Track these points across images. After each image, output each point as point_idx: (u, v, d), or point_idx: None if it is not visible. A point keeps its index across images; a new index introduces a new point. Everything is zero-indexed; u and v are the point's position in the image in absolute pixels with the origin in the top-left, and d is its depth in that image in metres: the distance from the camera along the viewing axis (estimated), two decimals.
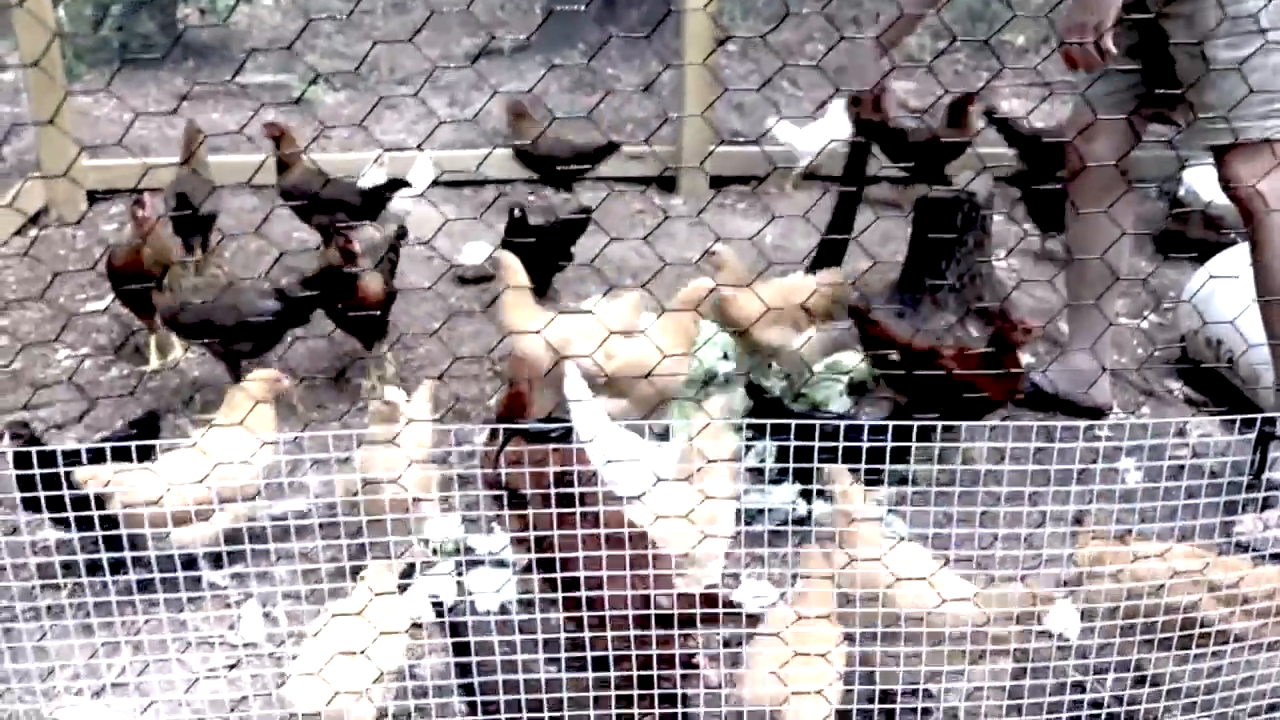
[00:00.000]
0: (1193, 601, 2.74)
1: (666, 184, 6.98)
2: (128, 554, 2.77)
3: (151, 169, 5.90)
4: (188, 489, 3.16)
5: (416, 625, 3.47)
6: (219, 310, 4.33)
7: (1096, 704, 2.86)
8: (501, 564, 3.73)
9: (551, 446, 2.87)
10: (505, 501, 3.13)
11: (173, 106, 7.72)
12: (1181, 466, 2.89)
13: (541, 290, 5.48)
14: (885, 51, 4.63)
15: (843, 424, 2.84)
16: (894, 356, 4.12)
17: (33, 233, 6.32)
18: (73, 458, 3.05)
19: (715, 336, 4.81)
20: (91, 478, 3.25)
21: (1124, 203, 4.43)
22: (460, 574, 3.66)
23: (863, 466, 2.77)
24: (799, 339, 4.58)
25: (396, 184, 5.60)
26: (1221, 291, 4.57)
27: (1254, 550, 3.49)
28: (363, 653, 2.74)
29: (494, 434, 3.39)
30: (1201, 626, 2.75)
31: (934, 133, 6.06)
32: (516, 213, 5.35)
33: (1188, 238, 6.04)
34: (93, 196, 6.59)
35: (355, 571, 3.14)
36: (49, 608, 3.18)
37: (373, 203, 5.56)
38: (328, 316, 4.64)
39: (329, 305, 4.59)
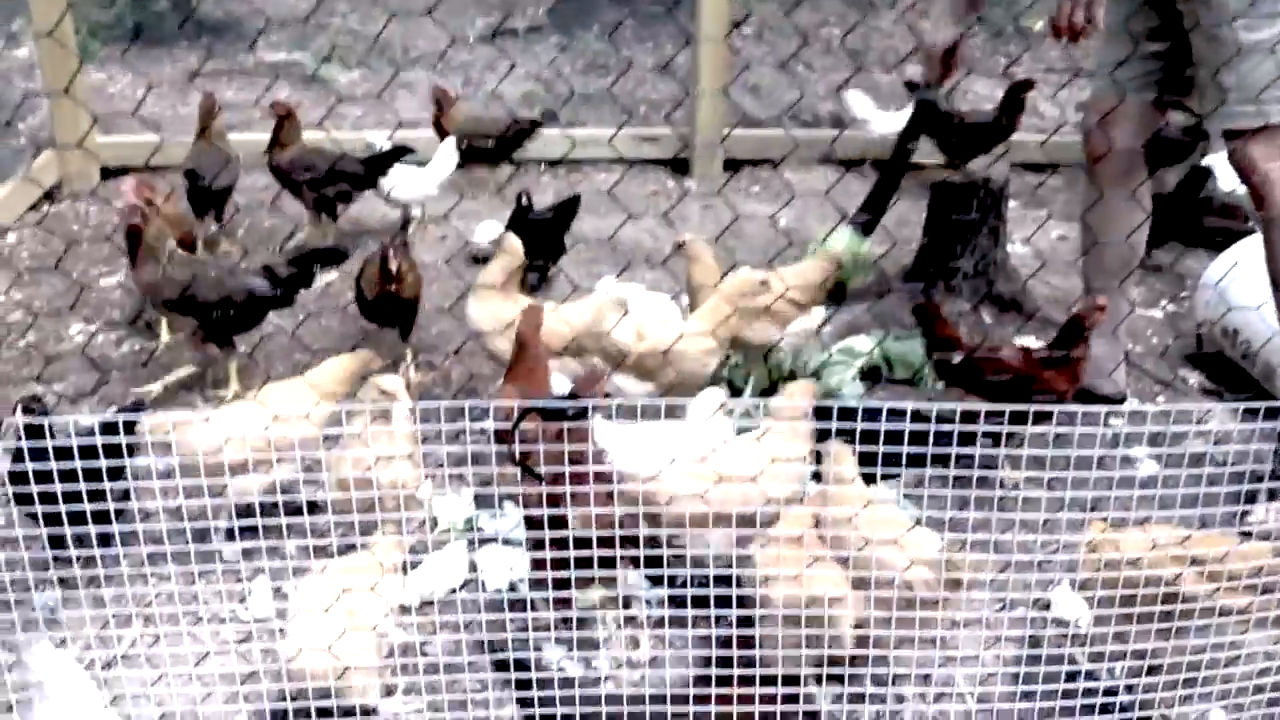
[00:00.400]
0: (1209, 590, 2.72)
1: (680, 166, 6.94)
2: (139, 526, 2.76)
3: (164, 146, 5.90)
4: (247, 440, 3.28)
5: (428, 603, 3.48)
6: (203, 286, 4.28)
7: (1111, 691, 2.84)
8: (512, 543, 3.73)
9: (567, 425, 2.86)
10: (519, 477, 3.13)
11: (187, 82, 7.73)
12: (1199, 456, 2.87)
13: (542, 277, 5.47)
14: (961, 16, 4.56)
15: (861, 407, 2.82)
16: (957, 359, 4.07)
17: (46, 208, 6.32)
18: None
19: None
20: (156, 427, 3.37)
21: (1144, 188, 4.39)
22: (471, 551, 3.67)
23: (880, 449, 2.74)
24: (785, 331, 4.55)
25: (400, 151, 5.60)
26: (1240, 281, 4.53)
27: (1274, 539, 3.47)
28: (375, 629, 2.74)
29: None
30: (1220, 615, 2.73)
31: (988, 117, 5.98)
32: (524, 199, 5.32)
33: (1205, 226, 5.99)
34: (107, 173, 6.58)
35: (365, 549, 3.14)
36: (61, 579, 3.19)
37: (375, 171, 5.57)
38: (359, 309, 4.64)
39: (359, 298, 4.62)
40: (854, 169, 6.59)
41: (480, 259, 5.79)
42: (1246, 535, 3.08)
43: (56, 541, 2.81)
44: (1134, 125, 4.26)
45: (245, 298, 4.33)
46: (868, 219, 5.34)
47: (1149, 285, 5.70)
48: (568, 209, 5.44)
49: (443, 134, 6.13)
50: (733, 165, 6.92)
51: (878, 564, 2.85)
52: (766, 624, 2.95)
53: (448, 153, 5.79)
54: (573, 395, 3.24)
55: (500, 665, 2.85)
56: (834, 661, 2.91)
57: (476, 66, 8.42)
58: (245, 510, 3.42)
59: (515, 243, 4.45)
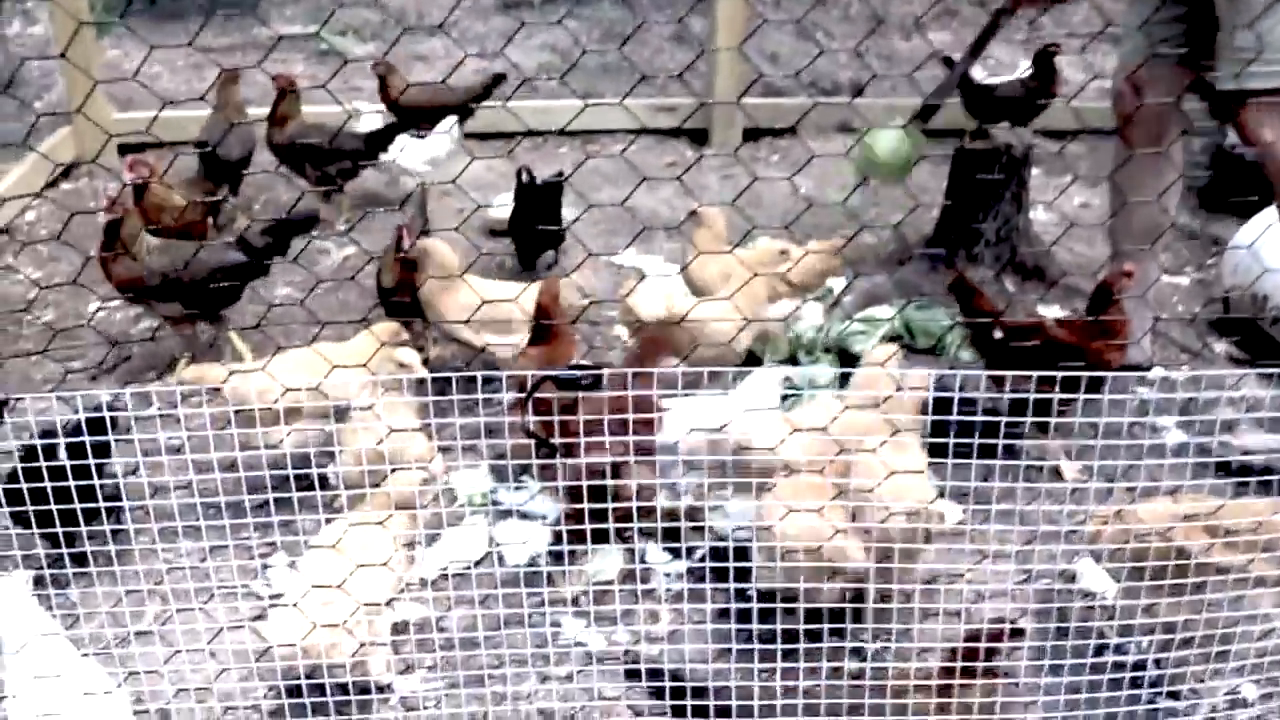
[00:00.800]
0: (1244, 560, 2.66)
1: (699, 137, 6.86)
2: (149, 501, 2.74)
3: (182, 121, 5.88)
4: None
5: (444, 576, 3.45)
6: (194, 267, 4.26)
7: (1139, 665, 2.79)
8: (529, 517, 3.70)
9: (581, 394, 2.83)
10: (533, 450, 3.10)
11: (202, 57, 7.68)
12: (1230, 425, 2.80)
13: (556, 254, 5.42)
14: None
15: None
16: (998, 334, 3.96)
17: (65, 185, 6.31)
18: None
19: None
20: (199, 376, 3.49)
21: (1175, 153, 4.29)
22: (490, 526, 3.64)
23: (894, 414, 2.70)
24: (774, 310, 4.48)
25: (398, 127, 5.59)
26: (1272, 245, 4.44)
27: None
28: (389, 604, 2.71)
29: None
30: (1254, 586, 2.67)
31: (1023, 88, 5.88)
32: (524, 176, 5.23)
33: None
34: (125, 149, 6.55)
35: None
36: (75, 556, 3.17)
37: (375, 146, 5.55)
38: (380, 301, 4.64)
39: (379, 288, 4.60)
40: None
41: (497, 232, 5.75)
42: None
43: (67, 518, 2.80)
44: (1163, 86, 4.16)
45: (225, 272, 4.34)
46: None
47: (1175, 251, 5.60)
48: (550, 190, 5.29)
49: (393, 108, 6.02)
50: (752, 135, 6.84)
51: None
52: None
53: (449, 128, 5.76)
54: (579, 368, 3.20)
55: (647, 677, 2.80)
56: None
57: (492, 37, 8.35)
58: (259, 485, 3.40)
59: (435, 245, 4.38)
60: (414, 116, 5.78)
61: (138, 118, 6.51)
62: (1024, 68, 6.09)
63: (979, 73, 5.92)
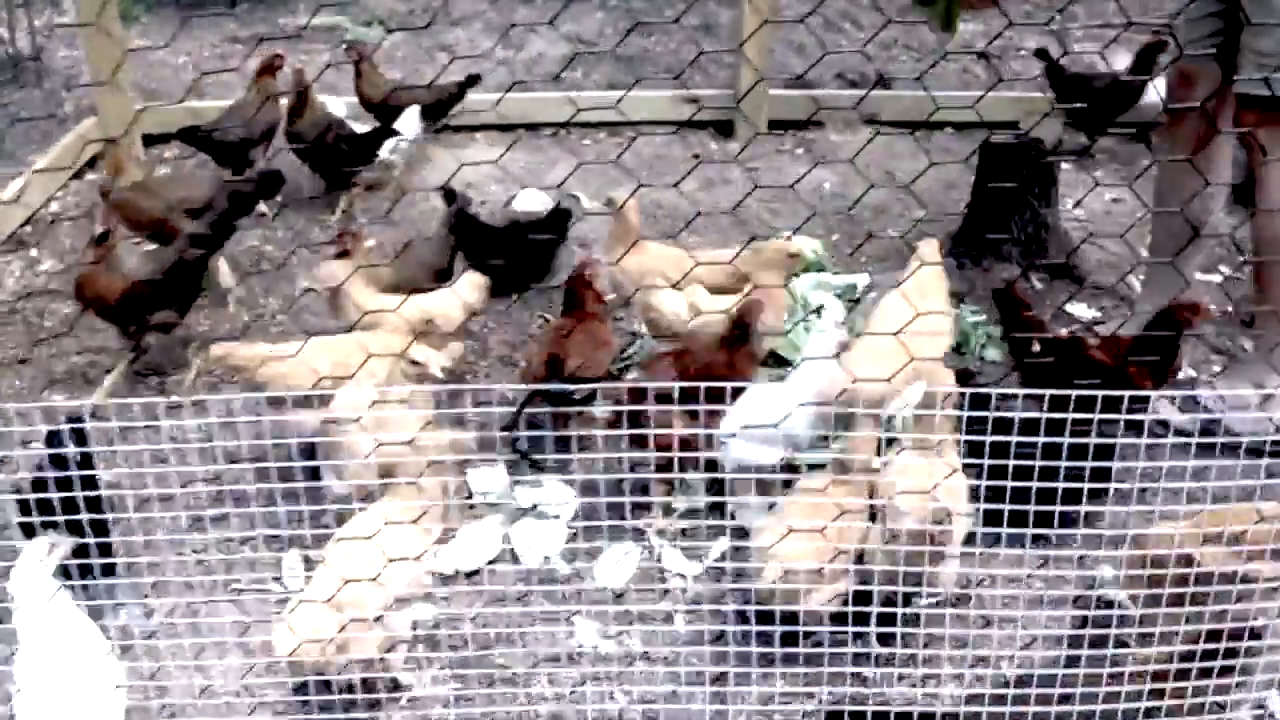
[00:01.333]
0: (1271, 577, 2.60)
1: (724, 128, 6.80)
2: (135, 515, 2.73)
3: (206, 110, 5.89)
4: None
5: (458, 575, 3.44)
6: (174, 268, 4.37)
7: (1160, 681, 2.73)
8: (546, 516, 3.68)
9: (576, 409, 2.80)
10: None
11: (229, 47, 7.70)
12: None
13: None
14: None
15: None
16: (1037, 349, 3.86)
17: (90, 175, 6.33)
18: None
19: None
20: (225, 353, 3.61)
21: (1221, 154, 4.20)
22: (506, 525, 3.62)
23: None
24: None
25: (386, 132, 5.65)
26: None
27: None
28: (381, 616, 2.69)
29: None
30: None
31: (1118, 81, 5.78)
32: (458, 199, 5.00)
33: None
34: (150, 140, 6.57)
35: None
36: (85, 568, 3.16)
37: (362, 149, 5.62)
38: None
39: None
40: (898, 129, 6.42)
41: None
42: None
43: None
44: (1205, 84, 4.07)
45: (189, 266, 4.45)
46: None
47: (1207, 251, 5.48)
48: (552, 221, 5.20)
49: (363, 99, 6.08)
50: (778, 127, 6.77)
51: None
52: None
53: (411, 117, 5.78)
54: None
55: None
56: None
57: (517, 29, 8.29)
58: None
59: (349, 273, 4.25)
60: (384, 113, 5.90)
61: (163, 109, 6.50)
62: (1123, 61, 5.99)
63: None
